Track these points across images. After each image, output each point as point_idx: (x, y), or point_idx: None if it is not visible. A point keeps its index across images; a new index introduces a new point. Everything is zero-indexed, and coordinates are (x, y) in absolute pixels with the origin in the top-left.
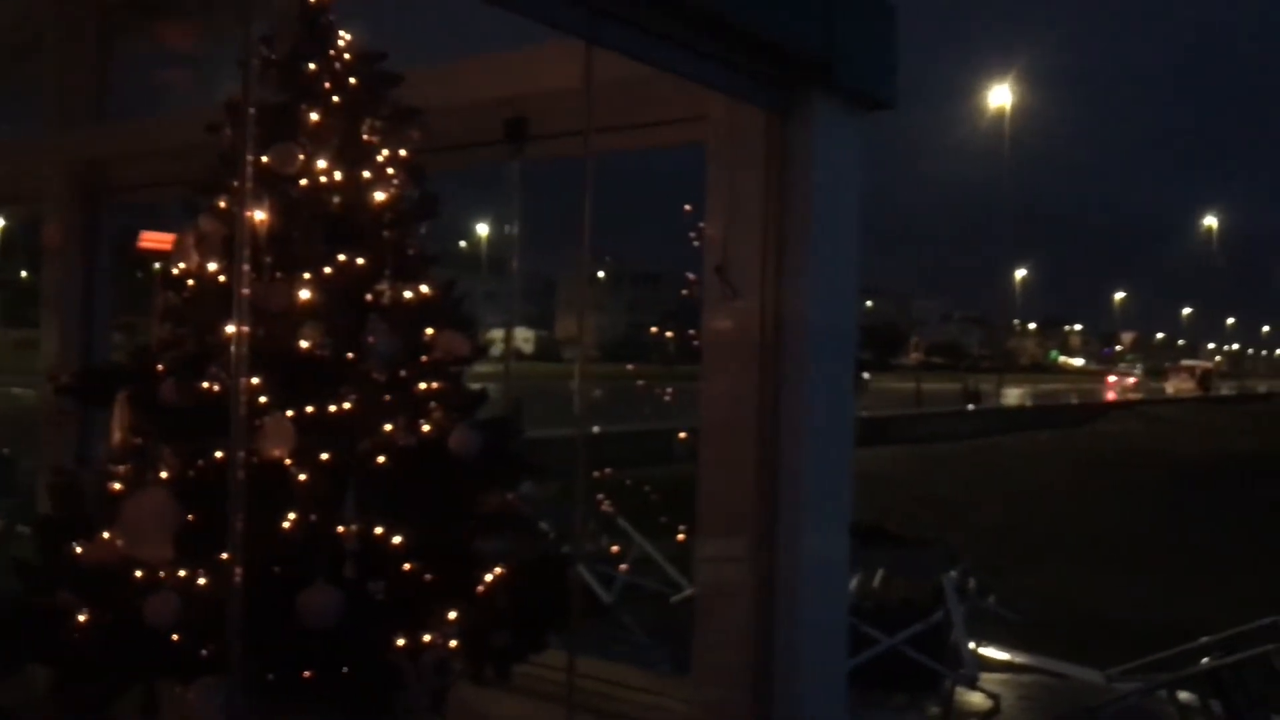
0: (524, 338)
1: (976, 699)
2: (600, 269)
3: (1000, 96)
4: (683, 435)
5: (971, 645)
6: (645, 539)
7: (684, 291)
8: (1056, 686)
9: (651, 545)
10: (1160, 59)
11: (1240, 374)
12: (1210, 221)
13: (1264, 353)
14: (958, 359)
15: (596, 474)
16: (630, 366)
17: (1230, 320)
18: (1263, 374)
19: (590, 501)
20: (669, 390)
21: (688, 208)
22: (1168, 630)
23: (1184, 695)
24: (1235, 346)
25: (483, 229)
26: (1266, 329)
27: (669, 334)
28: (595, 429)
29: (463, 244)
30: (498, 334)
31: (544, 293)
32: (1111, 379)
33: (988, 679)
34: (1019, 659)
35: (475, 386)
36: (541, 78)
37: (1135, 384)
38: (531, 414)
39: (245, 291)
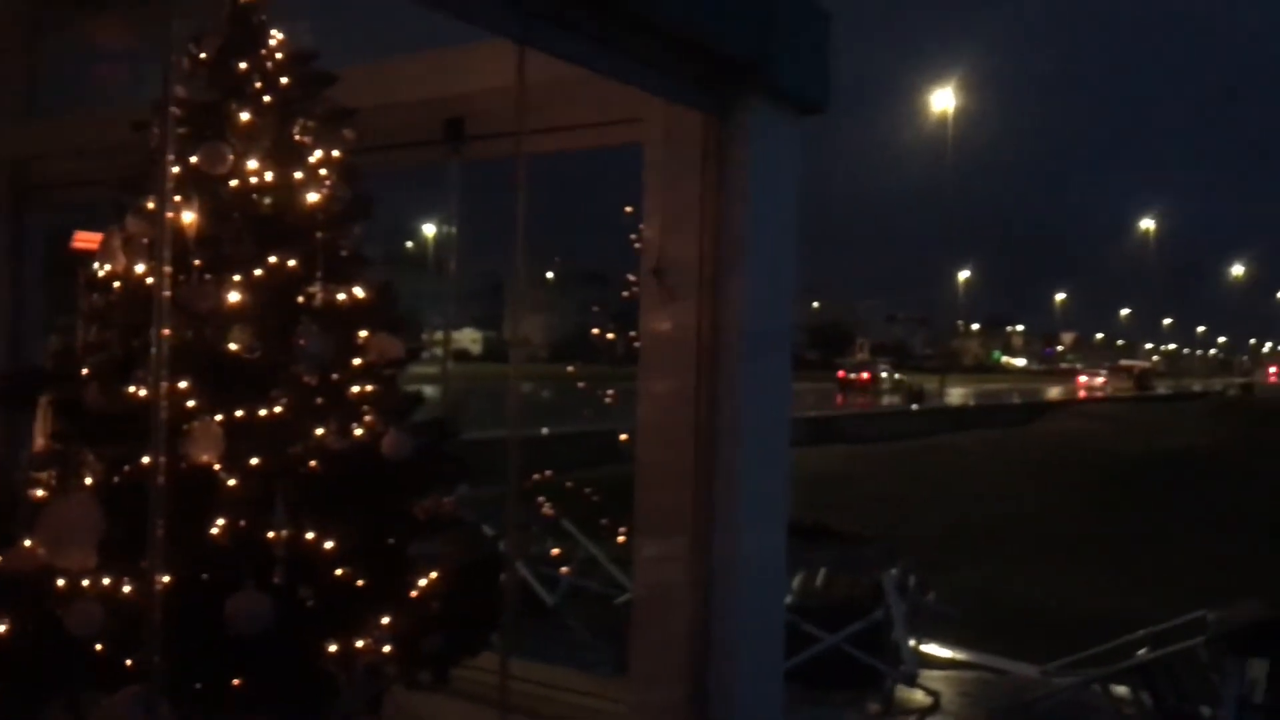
0: (472, 339)
1: (917, 696)
2: (550, 269)
3: (943, 100)
4: (623, 437)
5: (912, 642)
6: (590, 540)
7: (624, 294)
8: (995, 682)
9: (596, 547)
10: (1101, 63)
11: (1177, 373)
12: (1147, 224)
13: (1199, 352)
14: (903, 359)
15: (537, 476)
16: (570, 368)
17: (1167, 321)
18: (1198, 373)
19: (532, 504)
20: (610, 392)
21: (629, 209)
22: (1104, 624)
23: (1117, 688)
24: (1172, 346)
25: (429, 229)
26: (1202, 329)
27: (610, 335)
28: (546, 430)
29: (409, 244)
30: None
31: (493, 293)
32: (1082, 379)
33: (928, 676)
34: (959, 655)
35: (414, 389)
36: (478, 77)
37: (1104, 383)
38: (477, 415)
39: (167, 294)
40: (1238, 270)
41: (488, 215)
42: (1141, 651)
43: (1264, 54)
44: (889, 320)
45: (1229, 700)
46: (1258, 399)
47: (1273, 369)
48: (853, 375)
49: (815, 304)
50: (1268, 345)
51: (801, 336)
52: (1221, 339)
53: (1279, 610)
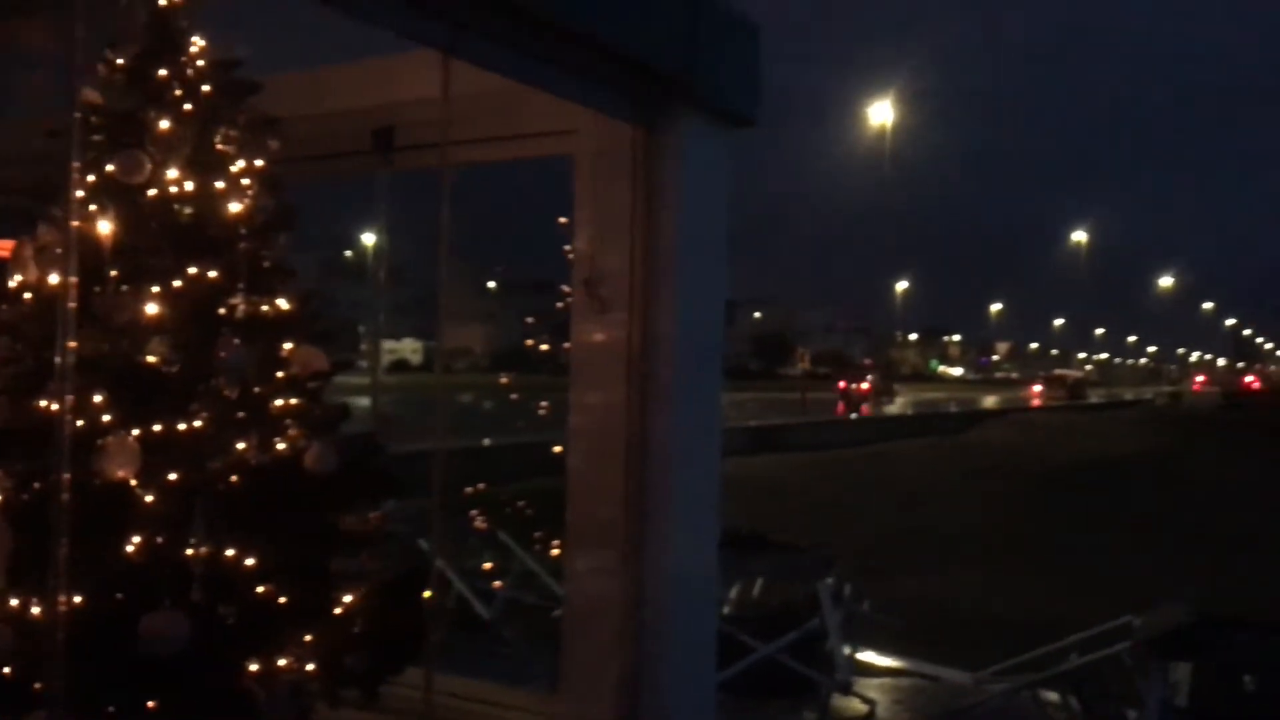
0: (412, 349)
1: (853, 704)
2: (492, 279)
3: (881, 114)
4: (558, 449)
5: (847, 651)
6: (527, 553)
7: (559, 304)
8: (929, 689)
9: (534, 559)
10: (1040, 80)
11: (1109, 382)
12: (1080, 236)
13: (1130, 361)
14: (844, 368)
15: (469, 490)
16: (504, 379)
17: (1099, 331)
18: (1129, 382)
19: (467, 517)
20: (543, 403)
21: (562, 220)
22: (1036, 630)
23: (1047, 694)
24: (1104, 356)
25: (369, 239)
26: (1132, 339)
27: (544, 346)
28: (487, 441)
29: (348, 254)
30: (389, 344)
31: (433, 303)
32: (1037, 388)
33: (864, 684)
34: (894, 663)
35: (341, 401)
36: (407, 87)
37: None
38: (412, 427)
39: (73, 305)
40: (1166, 282)
41: (430, 224)
42: (1071, 657)
43: (1200, 76)
44: (828, 330)
45: (1153, 704)
46: (1185, 407)
47: (1199, 378)
48: (853, 385)
49: (757, 314)
50: (1195, 355)
51: (744, 346)
52: (1151, 349)
53: (1201, 614)
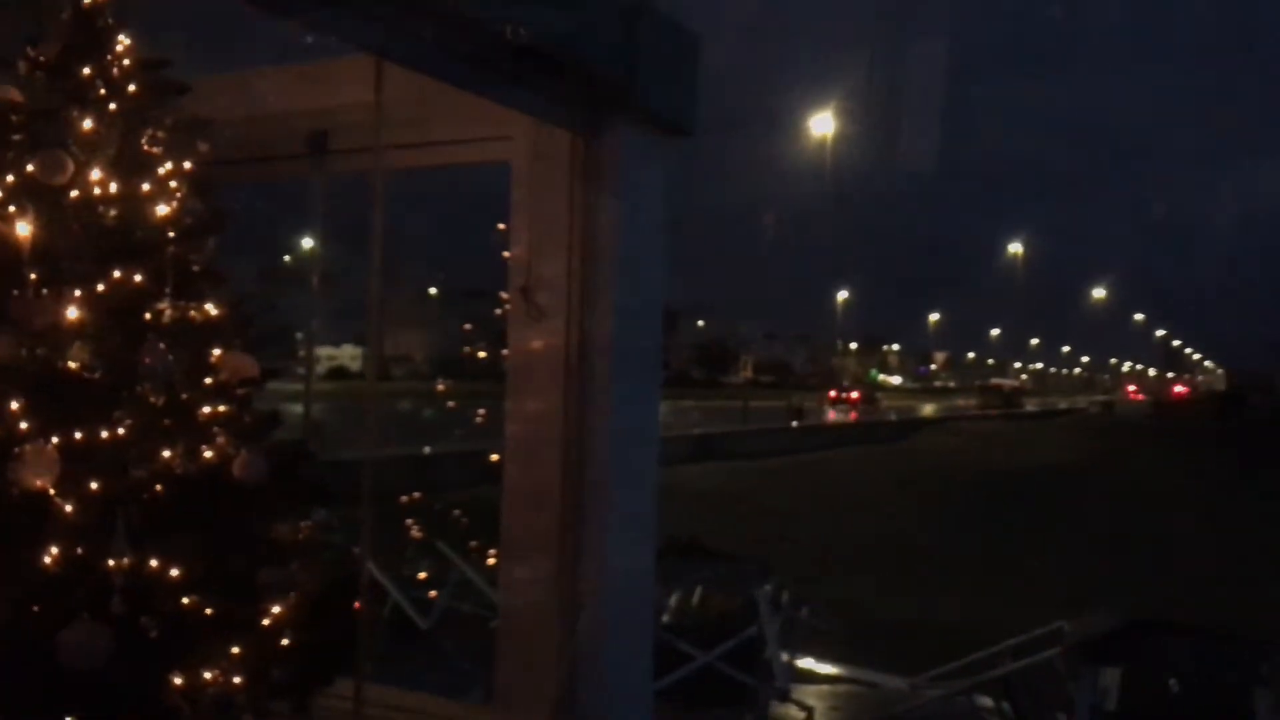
0: (352, 355)
1: (791, 712)
2: (433, 285)
3: (822, 125)
4: (495, 457)
5: (786, 658)
6: (465, 562)
7: (497, 311)
8: (866, 695)
9: (472, 569)
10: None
11: (1044, 391)
12: (1015, 248)
13: (1064, 371)
14: (785, 377)
15: (405, 498)
16: (440, 385)
17: (1034, 341)
18: (1063, 391)
19: (403, 526)
20: (480, 411)
21: (501, 226)
22: (972, 636)
23: (981, 699)
24: (1039, 365)
25: (309, 243)
26: (1067, 349)
27: (481, 354)
28: (427, 450)
29: (287, 258)
30: (328, 351)
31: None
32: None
33: (802, 691)
34: (832, 670)
35: (270, 408)
36: (342, 91)
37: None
38: (347, 435)
39: None
40: (1099, 293)
41: (369, 229)
42: (1004, 663)
43: (1133, 96)
44: (769, 338)
45: (1083, 708)
46: (1118, 415)
47: (1131, 387)
48: (843, 395)
49: (700, 323)
50: (1127, 364)
51: (687, 354)
52: (1085, 358)
53: (1130, 619)
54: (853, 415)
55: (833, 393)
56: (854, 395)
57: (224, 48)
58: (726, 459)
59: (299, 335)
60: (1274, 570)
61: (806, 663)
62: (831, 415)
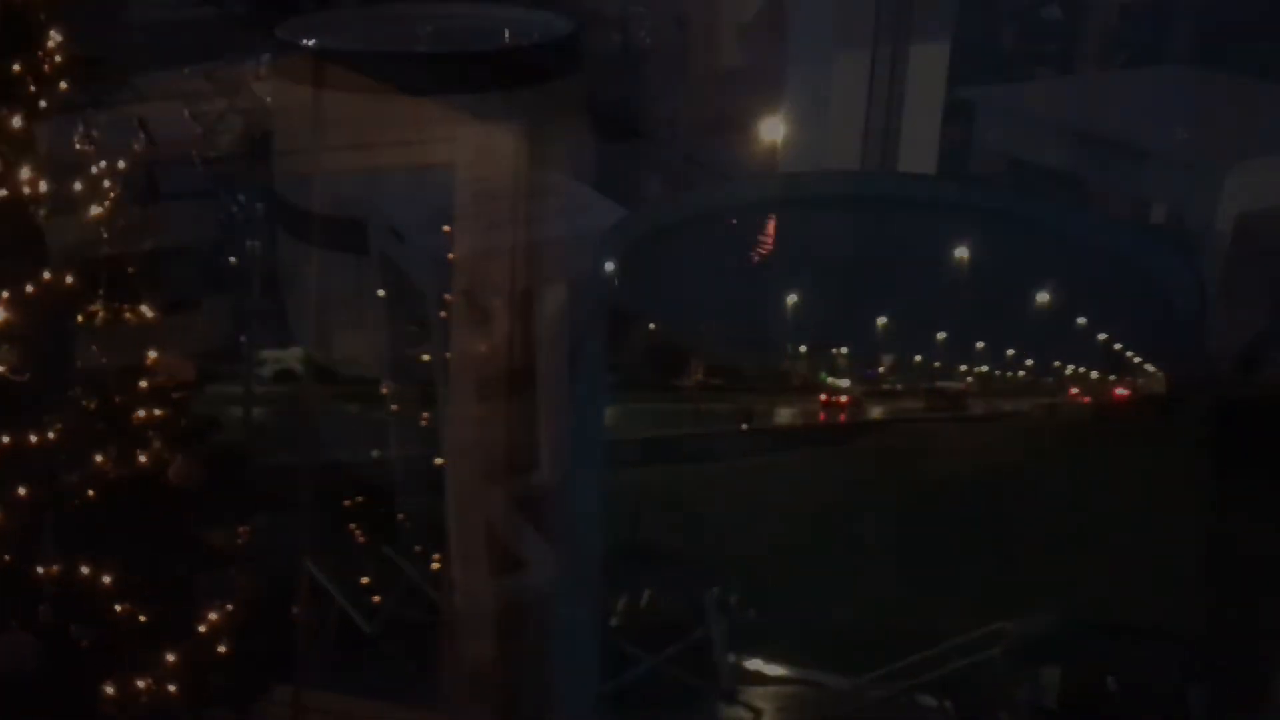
0: (299, 357)
1: (739, 712)
2: (381, 287)
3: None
4: (439, 460)
5: (733, 659)
6: (410, 566)
7: (441, 314)
8: (813, 695)
9: (417, 572)
10: None
11: (989, 394)
12: (962, 253)
13: (1009, 374)
14: (735, 380)
15: (347, 502)
16: (384, 389)
17: (980, 344)
18: (1008, 393)
19: (347, 532)
20: (425, 414)
21: (446, 229)
22: (916, 636)
23: (924, 698)
24: (984, 368)
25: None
26: (1011, 352)
27: (425, 357)
28: (376, 454)
29: (233, 260)
30: (272, 354)
31: (318, 311)
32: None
33: (750, 692)
34: (780, 671)
35: (208, 413)
36: (284, 90)
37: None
38: (288, 438)
39: None
40: (1043, 297)
41: (315, 230)
42: (947, 663)
43: None
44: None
45: (1023, 706)
46: (1060, 417)
47: (1074, 390)
48: (834, 400)
49: (651, 325)
50: (1070, 368)
51: (638, 358)
52: (1029, 361)
53: (1068, 620)
54: (842, 418)
55: (823, 397)
56: (843, 400)
57: (161, 45)
58: (675, 462)
59: (242, 339)
60: (1210, 571)
61: (754, 664)
62: (823, 417)
